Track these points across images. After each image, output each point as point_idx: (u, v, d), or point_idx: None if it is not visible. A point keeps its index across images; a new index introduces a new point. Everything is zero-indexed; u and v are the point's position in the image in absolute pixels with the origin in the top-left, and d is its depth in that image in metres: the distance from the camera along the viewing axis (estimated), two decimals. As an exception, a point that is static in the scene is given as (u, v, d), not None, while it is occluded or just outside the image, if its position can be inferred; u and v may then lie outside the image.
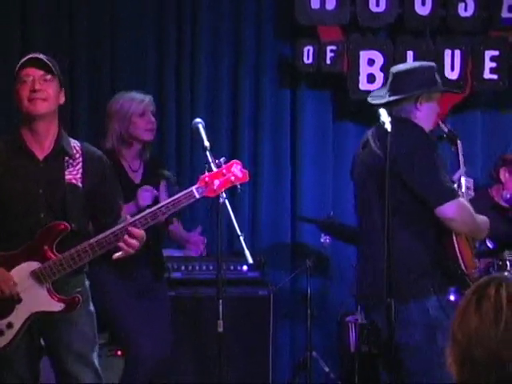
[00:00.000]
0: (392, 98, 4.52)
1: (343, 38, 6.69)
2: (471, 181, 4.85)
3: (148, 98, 5.37)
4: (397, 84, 4.61)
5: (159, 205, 4.19)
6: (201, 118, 4.65)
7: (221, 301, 4.33)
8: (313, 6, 6.54)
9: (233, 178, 4.12)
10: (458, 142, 4.83)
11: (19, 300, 4.12)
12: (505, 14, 6.75)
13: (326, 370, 6.33)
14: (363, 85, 6.57)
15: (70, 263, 4.09)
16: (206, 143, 4.34)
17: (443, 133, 4.85)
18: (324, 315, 6.58)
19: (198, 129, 4.44)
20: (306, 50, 6.57)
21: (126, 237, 4.04)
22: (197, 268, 5.99)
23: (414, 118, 4.56)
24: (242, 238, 4.32)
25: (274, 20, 6.69)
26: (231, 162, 4.16)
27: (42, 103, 4.14)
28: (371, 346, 5.89)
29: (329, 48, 6.60)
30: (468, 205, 4.58)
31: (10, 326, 4.13)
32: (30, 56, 4.15)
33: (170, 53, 6.58)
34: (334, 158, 6.67)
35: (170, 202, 4.16)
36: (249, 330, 5.89)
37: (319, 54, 6.58)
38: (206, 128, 4.45)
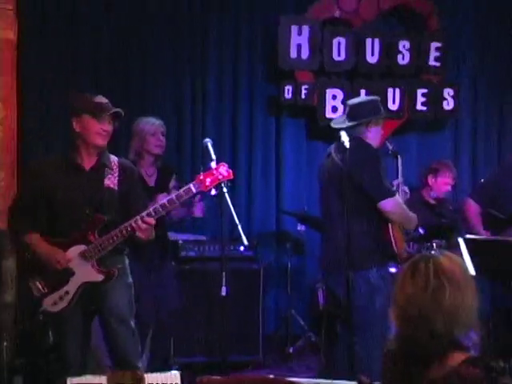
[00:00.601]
0: (350, 124, 4.52)
1: (314, 80, 6.67)
2: (407, 189, 4.86)
3: (158, 122, 5.31)
4: (352, 113, 4.61)
5: (166, 198, 4.16)
6: (209, 137, 4.63)
7: (224, 273, 4.31)
8: (291, 56, 6.54)
9: (220, 176, 4.12)
10: (399, 157, 4.83)
11: (72, 273, 4.12)
12: (431, 62, 6.78)
13: (302, 323, 6.32)
14: (329, 114, 6.55)
15: (107, 245, 4.09)
16: (213, 156, 4.32)
17: (388, 150, 4.86)
18: (300, 283, 6.57)
19: (207, 146, 4.41)
20: (286, 88, 6.55)
21: (139, 222, 4.05)
22: (206, 248, 5.95)
23: (366, 138, 4.57)
24: (239, 226, 4.32)
25: (263, 67, 6.67)
26: (219, 164, 4.13)
27: (105, 139, 4.19)
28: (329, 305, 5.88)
29: (303, 87, 6.57)
30: (402, 202, 4.59)
31: (67, 293, 4.12)
32: (115, 110, 4.19)
33: (187, 90, 6.54)
34: (307, 168, 6.65)
35: (174, 196, 4.14)
36: (244, 294, 5.84)
37: (296, 92, 6.56)
38: (213, 145, 4.43)
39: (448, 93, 6.80)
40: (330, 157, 4.64)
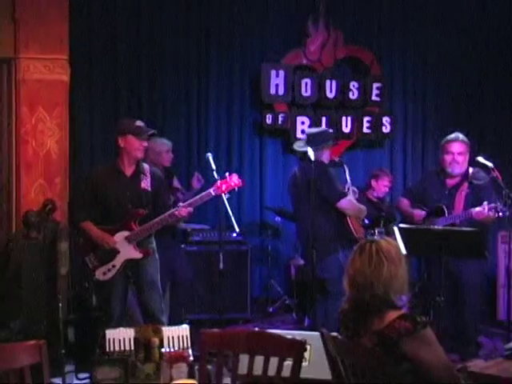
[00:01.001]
0: (311, 148, 4.52)
1: (288, 110, 6.67)
2: (355, 189, 4.89)
3: (170, 143, 5.30)
4: (310, 140, 4.64)
5: (192, 199, 4.18)
6: (210, 152, 4.65)
7: (221, 253, 4.34)
8: (271, 92, 6.54)
9: (233, 183, 4.15)
10: (345, 166, 4.87)
11: (118, 252, 4.13)
12: (374, 98, 6.78)
13: (279, 289, 6.33)
14: (298, 135, 6.53)
15: (145, 232, 4.12)
16: (213, 166, 4.35)
17: (336, 161, 4.89)
18: (277, 260, 6.56)
19: (208, 158, 4.43)
20: (268, 116, 6.55)
21: (180, 210, 4.05)
22: (208, 234, 5.93)
23: (320, 157, 4.60)
24: (232, 218, 4.34)
25: (250, 100, 6.65)
26: (232, 174, 4.17)
27: (142, 153, 4.18)
28: (303, 277, 5.88)
29: (280, 115, 6.57)
30: (353, 200, 4.62)
31: (113, 266, 4.15)
32: (152, 132, 4.18)
33: (194, 118, 6.48)
34: (283, 174, 6.58)
35: (198, 197, 4.16)
36: (236, 268, 5.84)
37: (275, 118, 6.55)
38: (213, 157, 4.45)
39: (386, 120, 6.82)
40: (295, 174, 4.71)
